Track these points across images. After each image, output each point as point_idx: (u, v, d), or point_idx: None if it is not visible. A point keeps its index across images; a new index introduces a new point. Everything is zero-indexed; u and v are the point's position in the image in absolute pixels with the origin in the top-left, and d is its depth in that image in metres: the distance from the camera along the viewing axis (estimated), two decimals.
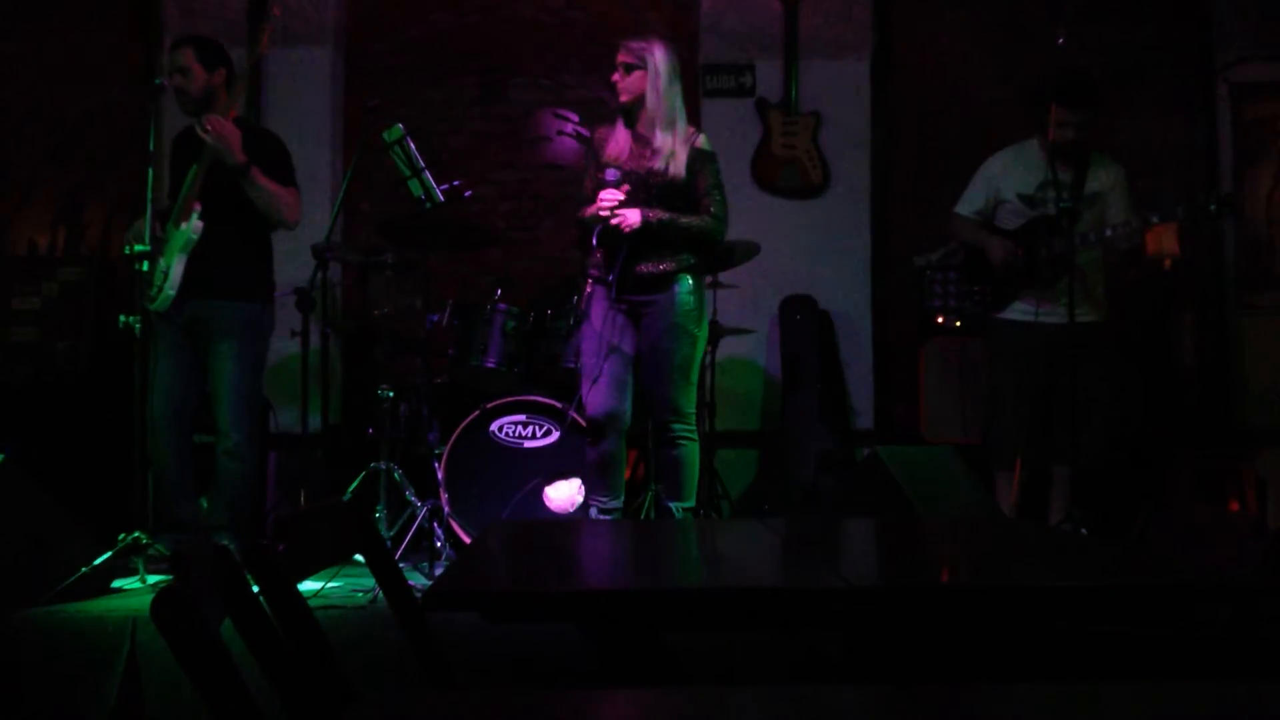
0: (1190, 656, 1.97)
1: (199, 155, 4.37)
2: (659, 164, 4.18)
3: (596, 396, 4.24)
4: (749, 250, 5.15)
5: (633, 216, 4.11)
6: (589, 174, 4.36)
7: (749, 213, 5.95)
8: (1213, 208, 4.53)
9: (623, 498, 4.40)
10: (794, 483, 5.60)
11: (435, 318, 4.94)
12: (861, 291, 6.06)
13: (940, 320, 5.82)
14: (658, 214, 4.14)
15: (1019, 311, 4.81)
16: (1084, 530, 4.35)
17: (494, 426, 5.03)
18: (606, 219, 4.11)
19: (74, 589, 3.96)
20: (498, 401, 5.01)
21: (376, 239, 5.56)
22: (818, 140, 6.04)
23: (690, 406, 4.25)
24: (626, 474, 4.44)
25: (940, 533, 2.68)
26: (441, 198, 4.37)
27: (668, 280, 4.20)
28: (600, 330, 4.24)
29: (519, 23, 6.36)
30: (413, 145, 4.37)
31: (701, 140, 4.27)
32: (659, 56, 4.20)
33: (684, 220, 4.18)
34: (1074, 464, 4.70)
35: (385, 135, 4.38)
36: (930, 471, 4.27)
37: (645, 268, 4.19)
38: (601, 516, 4.30)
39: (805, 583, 1.89)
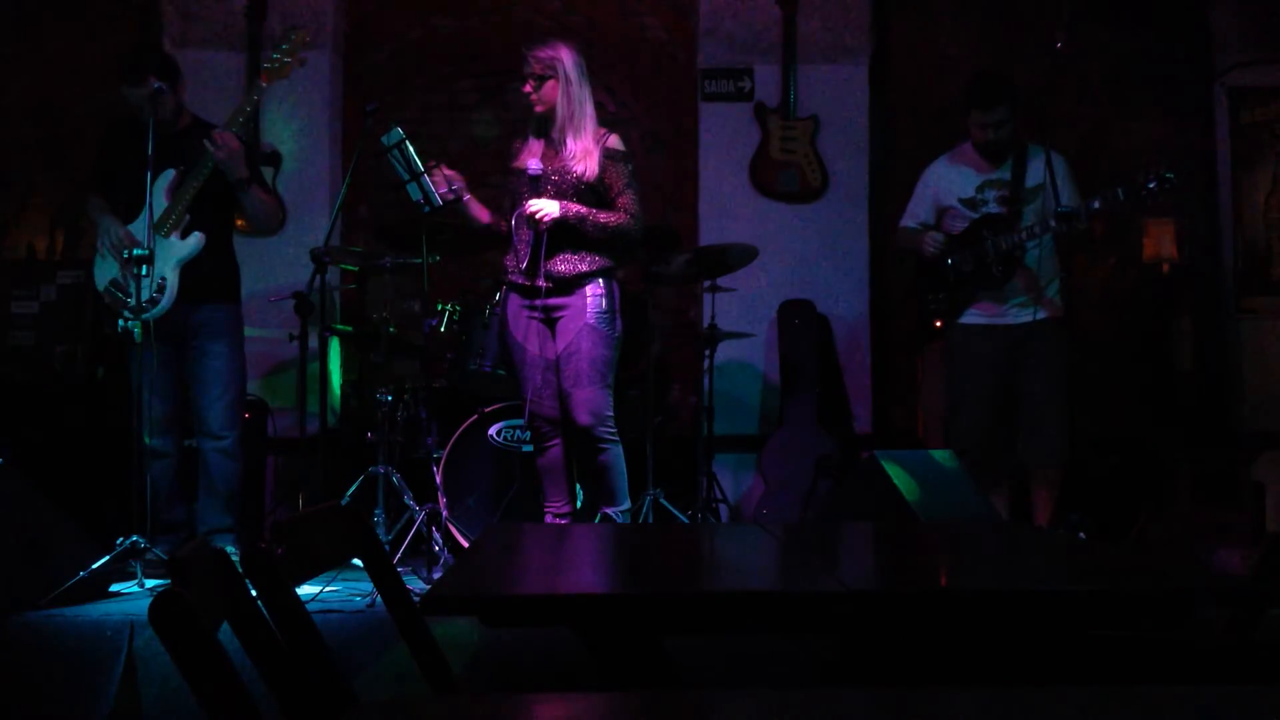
0: (1188, 661, 1.97)
1: (178, 160, 4.43)
2: (573, 166, 4.19)
3: (536, 405, 4.28)
4: (747, 254, 5.15)
5: (551, 208, 4.13)
6: (507, 185, 4.43)
7: (747, 217, 5.96)
8: (1151, 185, 4.36)
9: (576, 502, 4.47)
10: (792, 486, 5.60)
11: (433, 321, 4.94)
12: (860, 295, 6.06)
13: (938, 324, 5.82)
14: (576, 208, 4.16)
15: (975, 316, 4.79)
16: (1082, 534, 4.35)
17: (492, 430, 5.04)
18: (528, 214, 4.14)
19: (72, 593, 3.96)
20: (496, 405, 5.01)
21: (375, 243, 5.56)
22: (816, 144, 6.04)
23: (608, 409, 4.23)
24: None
25: (938, 537, 2.68)
26: (440, 202, 4.37)
27: (582, 281, 4.21)
28: (520, 340, 4.28)
29: (517, 26, 6.36)
30: (411, 149, 4.37)
31: (614, 140, 4.28)
32: (568, 62, 4.21)
33: (601, 216, 4.19)
34: (1035, 466, 4.69)
35: (384, 139, 4.38)
36: (928, 475, 4.26)
37: (563, 267, 4.20)
38: (558, 521, 4.32)
39: (803, 587, 1.89)
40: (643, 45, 6.45)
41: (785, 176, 6.04)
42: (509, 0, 6.44)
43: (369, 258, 5.03)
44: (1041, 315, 4.69)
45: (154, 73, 4.48)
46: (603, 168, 4.21)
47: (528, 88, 4.24)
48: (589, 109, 4.25)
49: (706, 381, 5.29)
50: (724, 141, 6.08)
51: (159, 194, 4.45)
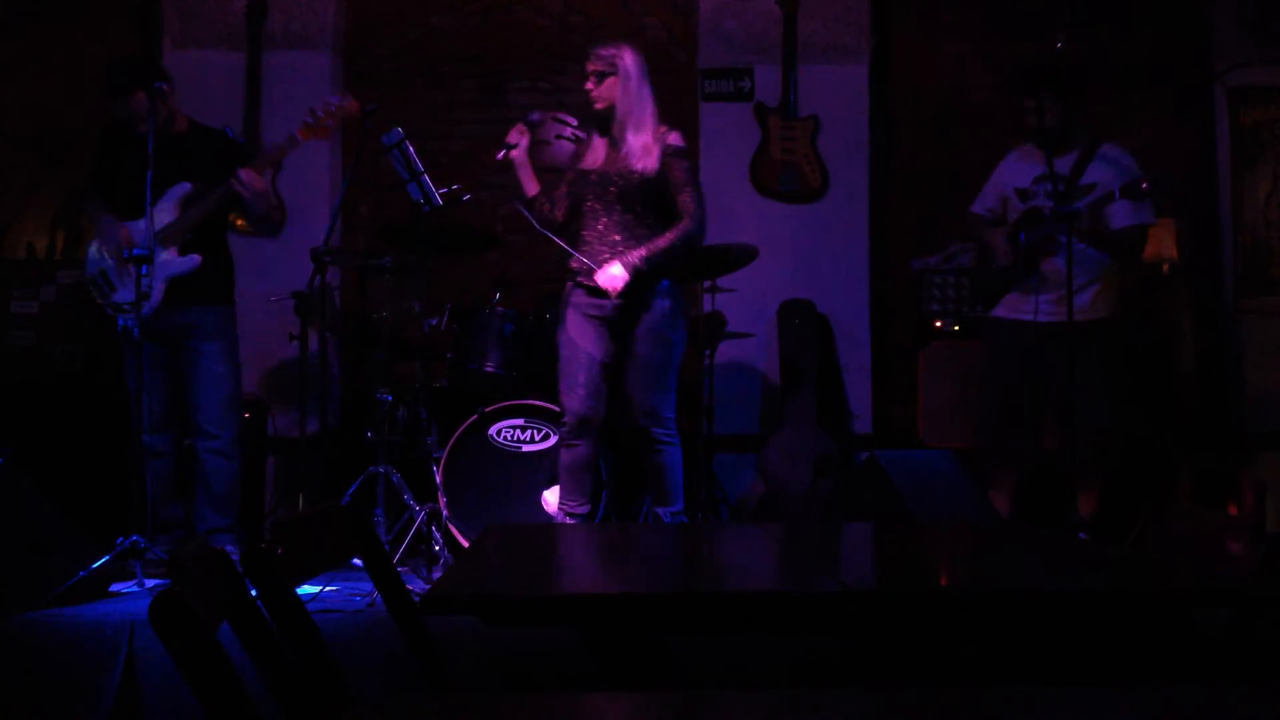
0: (1187, 661, 1.97)
1: (175, 166, 4.44)
2: (634, 164, 4.20)
3: (573, 401, 4.28)
4: (747, 254, 5.14)
5: (618, 273, 4.14)
6: (563, 179, 4.43)
7: (747, 217, 5.96)
8: (1144, 186, 4.30)
9: (591, 504, 4.46)
10: (792, 487, 5.60)
11: (434, 321, 4.94)
12: (860, 295, 6.06)
13: (938, 324, 5.82)
14: (638, 254, 4.17)
15: (1006, 309, 4.77)
16: (1082, 534, 4.35)
17: (492, 430, 5.03)
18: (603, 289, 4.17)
19: (72, 593, 3.96)
20: (496, 405, 5.01)
21: (375, 242, 5.56)
22: (816, 144, 6.04)
23: (669, 411, 4.25)
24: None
25: (937, 537, 2.68)
26: (440, 201, 4.37)
27: (647, 286, 4.21)
28: (575, 337, 4.28)
29: (517, 26, 6.36)
30: (411, 149, 4.37)
31: (675, 137, 4.29)
32: (629, 60, 4.24)
33: (662, 242, 4.20)
34: (1065, 467, 4.65)
35: (384, 139, 4.38)
36: (928, 476, 4.27)
37: None
38: (569, 520, 4.32)
39: (803, 586, 1.89)
40: (643, 45, 6.43)
41: (785, 176, 6.04)
42: (509, 0, 6.44)
43: (369, 258, 5.03)
44: (1076, 316, 4.46)
45: (138, 84, 4.48)
46: (663, 164, 4.22)
47: (589, 84, 4.27)
48: (649, 106, 4.27)
49: (706, 381, 5.29)
50: (724, 141, 6.07)
51: (170, 203, 4.47)
